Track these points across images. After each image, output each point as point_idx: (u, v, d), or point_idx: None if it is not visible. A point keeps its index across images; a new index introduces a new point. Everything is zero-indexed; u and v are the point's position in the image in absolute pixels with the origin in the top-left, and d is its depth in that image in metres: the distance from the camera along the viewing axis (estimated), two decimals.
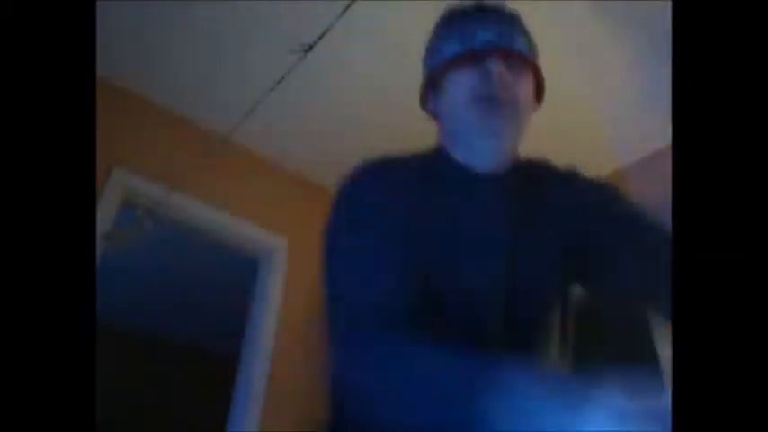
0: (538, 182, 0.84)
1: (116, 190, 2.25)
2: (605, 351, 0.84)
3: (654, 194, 2.49)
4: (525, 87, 0.78)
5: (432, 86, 0.82)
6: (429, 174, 0.79)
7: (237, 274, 3.32)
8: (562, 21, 2.06)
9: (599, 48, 2.16)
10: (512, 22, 0.80)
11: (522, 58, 0.77)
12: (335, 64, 2.28)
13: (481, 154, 0.78)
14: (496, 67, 0.74)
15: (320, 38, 1.69)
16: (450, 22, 0.81)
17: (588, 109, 2.42)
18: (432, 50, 0.83)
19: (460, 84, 0.76)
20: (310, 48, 1.70)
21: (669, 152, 2.54)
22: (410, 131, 2.61)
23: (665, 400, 0.48)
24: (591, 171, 3.04)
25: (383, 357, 0.58)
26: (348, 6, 1.59)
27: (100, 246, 2.11)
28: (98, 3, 1.84)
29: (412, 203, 0.73)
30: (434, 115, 0.84)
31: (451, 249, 0.73)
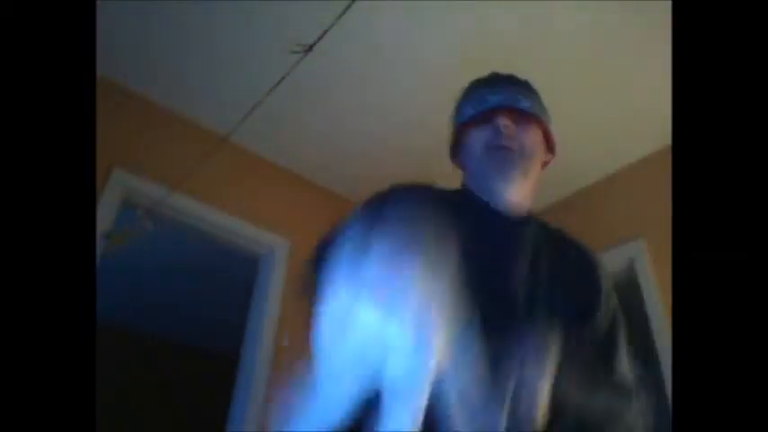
0: (555, 241, 0.93)
1: (116, 190, 2.25)
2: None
3: (652, 196, 2.49)
4: (531, 138, 0.93)
5: (457, 142, 0.99)
6: (457, 205, 0.90)
7: (237, 274, 3.32)
8: (563, 22, 2.06)
9: (599, 49, 2.16)
10: (519, 86, 0.97)
11: (526, 115, 0.93)
12: (335, 64, 2.28)
13: (495, 195, 0.90)
14: (503, 122, 0.90)
15: (320, 38, 1.69)
16: (470, 90, 1.00)
17: (588, 110, 2.42)
18: (456, 113, 1.01)
19: (477, 138, 0.93)
20: (310, 48, 1.70)
21: (669, 152, 2.54)
22: (410, 131, 2.61)
23: None
24: (590, 171, 3.02)
25: None
26: (348, 6, 1.59)
27: (100, 246, 2.11)
28: (98, 3, 1.84)
29: (434, 231, 0.81)
30: (460, 165, 1.01)
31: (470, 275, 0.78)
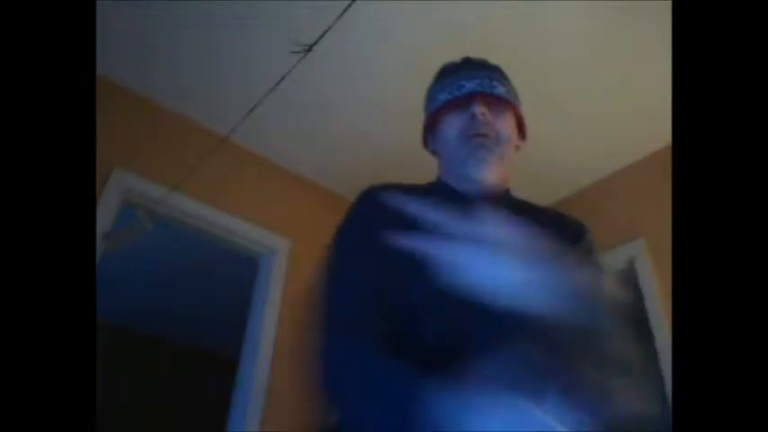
0: (527, 214, 0.93)
1: (116, 190, 2.25)
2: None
3: (652, 196, 2.49)
4: (506, 124, 0.93)
5: (430, 128, 0.99)
6: (426, 198, 0.90)
7: (237, 274, 3.32)
8: (563, 22, 2.06)
9: (599, 49, 2.16)
10: (493, 72, 0.97)
11: (501, 101, 0.93)
12: (335, 64, 2.28)
13: (472, 181, 0.91)
14: (478, 109, 0.89)
15: (320, 38, 1.69)
16: (443, 75, 0.99)
17: (588, 110, 2.42)
18: (429, 99, 1.00)
19: (451, 125, 0.93)
20: (310, 48, 1.70)
21: (669, 152, 2.54)
22: (411, 131, 2.61)
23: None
24: (590, 172, 3.02)
25: (341, 365, 0.71)
26: (348, 6, 1.59)
27: (100, 246, 2.11)
28: (98, 3, 1.84)
29: (403, 227, 0.85)
30: (434, 152, 1.00)
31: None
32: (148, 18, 2.15)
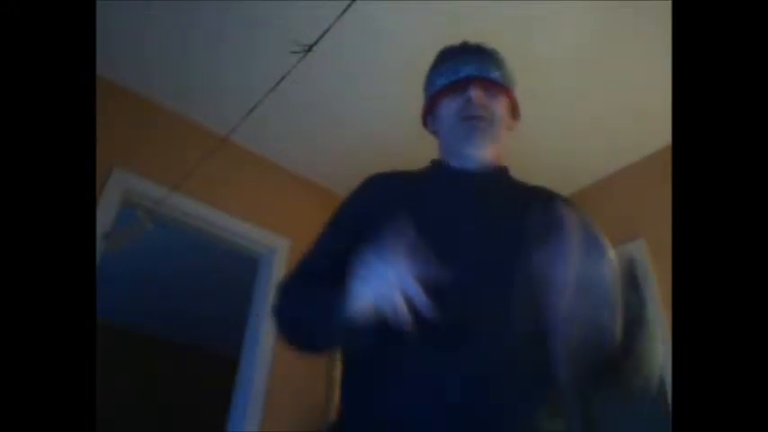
0: (518, 192, 1.00)
1: (116, 190, 2.25)
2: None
3: (652, 196, 2.49)
4: (500, 106, 0.99)
5: (430, 110, 1.06)
6: (424, 177, 1.00)
7: (237, 274, 3.32)
8: (563, 22, 2.06)
9: (599, 49, 2.16)
10: (489, 56, 1.02)
11: (496, 85, 0.99)
12: (335, 64, 2.28)
13: (468, 160, 0.98)
14: (474, 93, 0.96)
15: (320, 38, 1.69)
16: (442, 60, 1.06)
17: (588, 110, 2.42)
18: (428, 82, 1.07)
19: (449, 107, 0.99)
20: (310, 48, 1.70)
21: (669, 152, 2.53)
22: (411, 131, 2.61)
23: None
24: (590, 172, 3.01)
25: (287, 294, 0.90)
26: (348, 6, 1.59)
27: (100, 246, 2.11)
28: (98, 3, 1.83)
29: (401, 210, 0.90)
30: (434, 132, 1.08)
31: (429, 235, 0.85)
32: (148, 18, 2.15)
